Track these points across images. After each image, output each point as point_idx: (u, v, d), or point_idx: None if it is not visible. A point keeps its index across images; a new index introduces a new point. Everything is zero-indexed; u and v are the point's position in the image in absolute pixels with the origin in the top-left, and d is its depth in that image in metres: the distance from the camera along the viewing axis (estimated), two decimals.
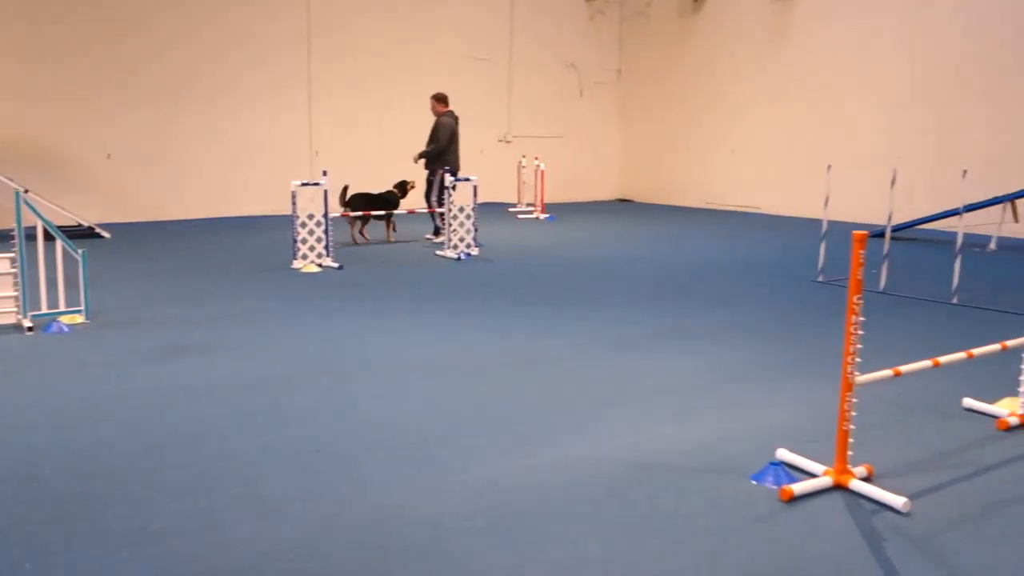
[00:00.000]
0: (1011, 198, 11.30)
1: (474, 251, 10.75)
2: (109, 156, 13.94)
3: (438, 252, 10.84)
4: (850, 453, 3.77)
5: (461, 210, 10.67)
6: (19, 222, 6.57)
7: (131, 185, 14.18)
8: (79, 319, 6.88)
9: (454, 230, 10.62)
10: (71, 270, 7.01)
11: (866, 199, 13.53)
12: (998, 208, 11.42)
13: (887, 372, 3.95)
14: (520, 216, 15.49)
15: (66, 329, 6.64)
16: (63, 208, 12.27)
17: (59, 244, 6.84)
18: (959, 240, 7.97)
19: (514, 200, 17.07)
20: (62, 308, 6.88)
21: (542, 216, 15.27)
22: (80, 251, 6.83)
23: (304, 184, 9.83)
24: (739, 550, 3.24)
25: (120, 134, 13.99)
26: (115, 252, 10.88)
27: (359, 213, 11.48)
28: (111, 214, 13.87)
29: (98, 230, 12.18)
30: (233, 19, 14.73)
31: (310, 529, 3.39)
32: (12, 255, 6.58)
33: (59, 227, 7.02)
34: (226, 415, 4.74)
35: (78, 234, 11.87)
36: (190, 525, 3.41)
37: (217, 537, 3.31)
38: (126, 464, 4.02)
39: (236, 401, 4.99)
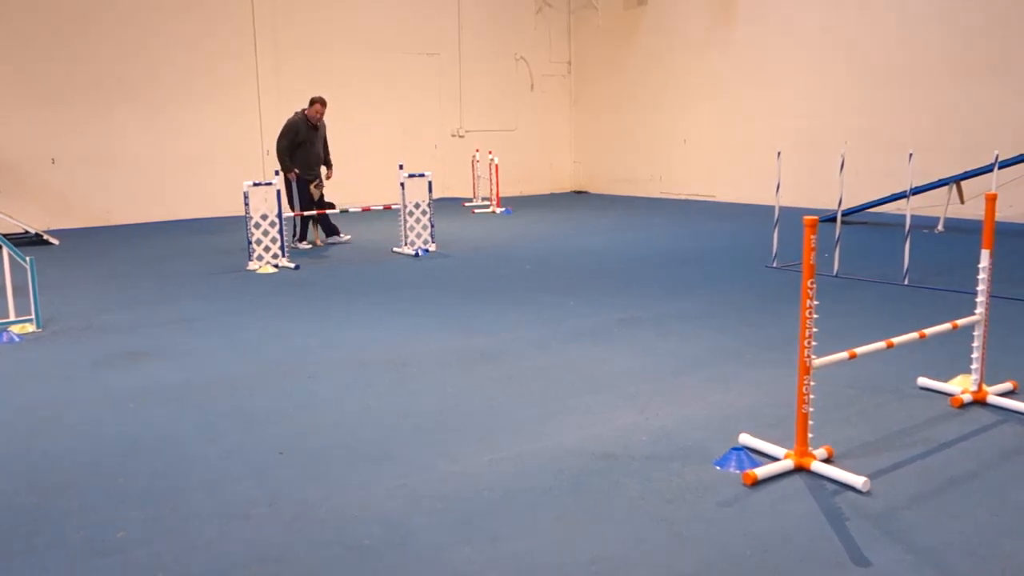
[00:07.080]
0: (956, 180, 11.54)
1: (432, 247, 10.73)
2: (54, 161, 13.68)
3: (395, 249, 10.80)
4: (810, 435, 3.82)
5: (417, 206, 10.64)
6: None
7: (78, 190, 13.93)
8: (30, 328, 6.75)
9: (411, 227, 10.59)
10: (20, 278, 6.86)
11: (816, 185, 13.73)
12: (944, 190, 11.65)
13: (843, 354, 4.02)
14: (476, 211, 15.47)
15: (17, 339, 6.51)
16: (9, 216, 12.03)
17: (6, 252, 6.69)
18: (908, 222, 8.12)
19: (470, 195, 17.05)
20: (12, 318, 6.75)
21: (498, 210, 15.27)
22: (28, 258, 6.70)
23: (256, 184, 9.72)
24: (706, 535, 3.28)
25: (64, 138, 13.73)
26: (64, 258, 10.68)
27: (314, 212, 11.25)
28: (58, 220, 13.63)
29: (46, 237, 11.95)
30: (179, 20, 14.51)
31: (277, 531, 3.36)
32: None
33: (5, 235, 6.87)
34: (186, 420, 4.68)
35: (25, 241, 11.66)
36: (154, 532, 3.36)
37: (182, 543, 3.27)
38: (84, 473, 3.95)
39: (196, 405, 4.92)
